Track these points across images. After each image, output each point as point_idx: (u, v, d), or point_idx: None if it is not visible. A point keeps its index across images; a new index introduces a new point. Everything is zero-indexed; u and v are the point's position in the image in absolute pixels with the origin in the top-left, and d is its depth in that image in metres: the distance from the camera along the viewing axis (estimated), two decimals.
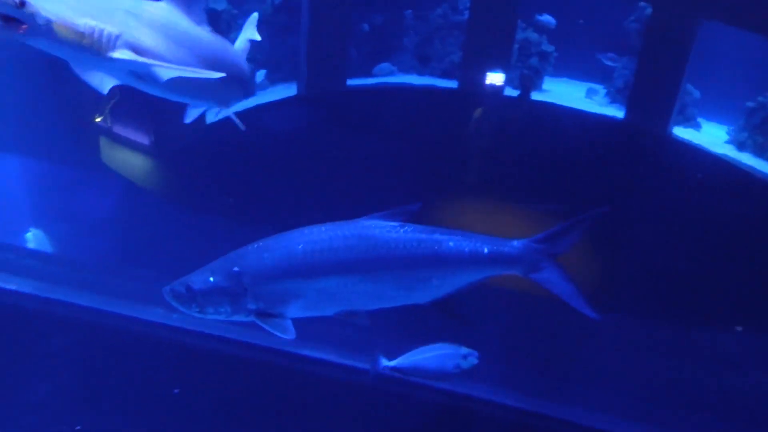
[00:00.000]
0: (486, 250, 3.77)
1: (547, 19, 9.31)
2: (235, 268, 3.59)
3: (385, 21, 9.40)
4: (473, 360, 5.20)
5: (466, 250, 3.73)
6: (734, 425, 7.28)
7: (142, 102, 7.14)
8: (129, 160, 7.77)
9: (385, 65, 9.04)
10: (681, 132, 8.36)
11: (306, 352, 7.32)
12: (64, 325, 6.97)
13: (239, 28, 8.94)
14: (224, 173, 7.99)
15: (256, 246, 3.73)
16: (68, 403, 6.63)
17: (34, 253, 7.39)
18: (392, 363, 5.24)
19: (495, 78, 7.72)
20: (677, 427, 7.32)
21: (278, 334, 3.61)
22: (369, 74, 8.91)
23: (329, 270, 3.62)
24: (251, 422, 7.41)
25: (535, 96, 8.41)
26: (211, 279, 3.59)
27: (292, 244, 3.68)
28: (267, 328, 3.62)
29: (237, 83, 5.15)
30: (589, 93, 9.21)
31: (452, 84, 8.48)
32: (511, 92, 8.10)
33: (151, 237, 8.27)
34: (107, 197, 7.67)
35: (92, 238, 7.71)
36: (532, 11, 9.29)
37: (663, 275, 7.33)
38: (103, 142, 7.85)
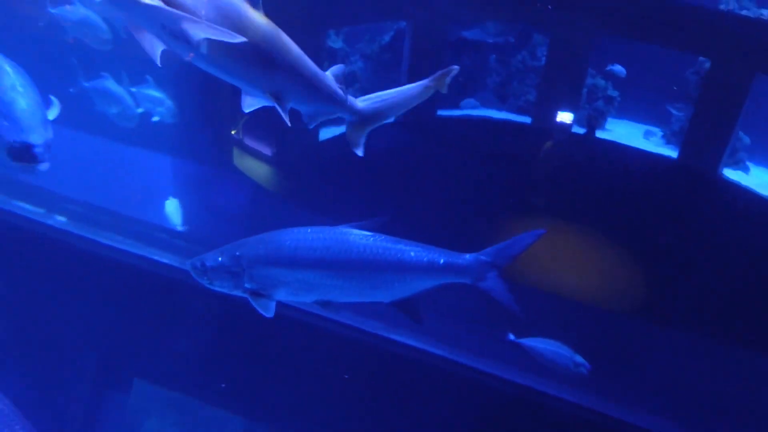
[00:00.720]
0: (441, 261, 3.79)
1: (618, 69, 8.96)
2: (237, 253, 3.72)
3: (473, 63, 9.30)
4: (582, 370, 4.99)
5: (425, 259, 3.76)
6: None
7: (267, 121, 7.42)
8: (254, 165, 8.02)
9: (470, 100, 8.97)
10: (731, 174, 7.83)
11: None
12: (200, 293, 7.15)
13: (352, 64, 9.10)
14: (331, 180, 8.10)
15: (257, 237, 3.85)
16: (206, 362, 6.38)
17: (180, 234, 7.62)
18: (516, 339, 5.21)
19: (564, 116, 7.50)
20: None
21: (261, 311, 3.72)
22: (456, 107, 8.84)
23: (308, 264, 3.71)
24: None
25: (599, 134, 8.11)
26: (219, 259, 3.73)
27: (283, 239, 3.80)
28: (254, 305, 3.73)
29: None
30: (647, 134, 8.80)
31: (526, 119, 8.30)
32: (578, 130, 7.84)
33: (265, 226, 8.47)
34: (237, 193, 7.90)
35: (223, 225, 7.93)
36: (606, 61, 8.96)
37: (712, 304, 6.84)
38: (236, 150, 8.12)
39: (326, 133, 8.15)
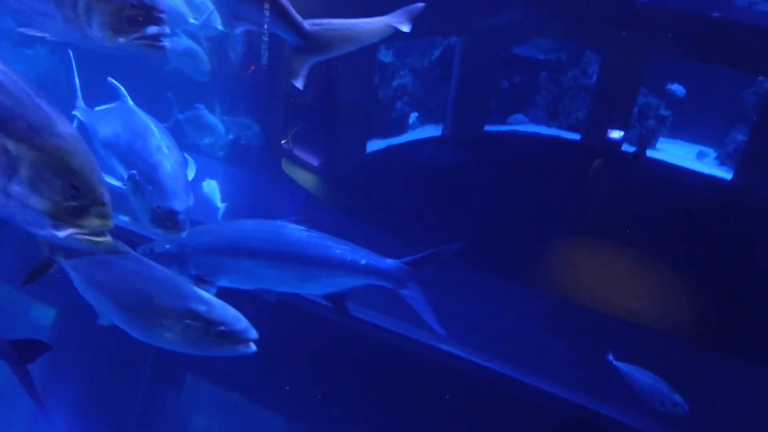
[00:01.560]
0: (363, 262, 3.84)
1: (677, 88, 8.80)
2: (184, 241, 3.76)
3: (523, 80, 9.28)
4: (680, 411, 4.61)
5: (348, 258, 3.81)
6: None
7: (314, 134, 7.62)
8: (301, 173, 8.22)
9: (519, 116, 8.95)
10: None
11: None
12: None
13: (402, 78, 9.20)
14: (376, 191, 8.20)
15: (203, 227, 3.92)
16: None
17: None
18: (617, 363, 4.92)
19: (615, 134, 7.39)
20: None
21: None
22: (504, 122, 8.83)
23: (246, 254, 3.80)
24: None
25: (650, 153, 7.95)
26: (167, 246, 3.80)
27: (226, 230, 3.91)
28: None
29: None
30: (700, 155, 8.57)
31: (576, 136, 8.21)
32: (629, 148, 7.71)
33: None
34: (287, 198, 8.12)
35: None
36: (664, 80, 8.81)
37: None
38: (285, 159, 8.34)
39: (373, 145, 8.28)
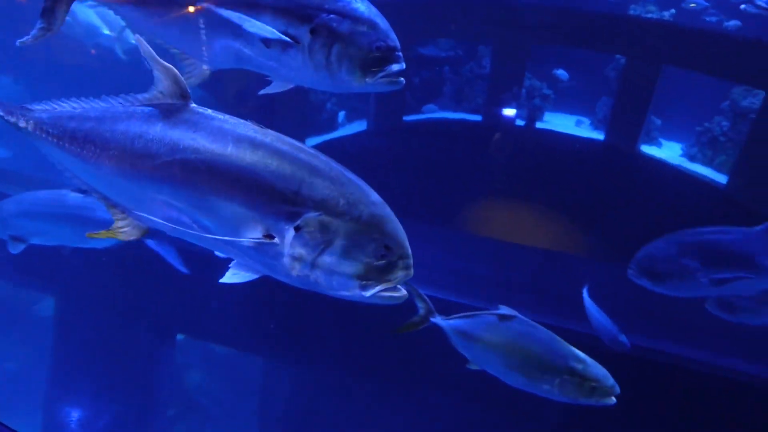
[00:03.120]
0: None
1: (561, 73, 10.32)
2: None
3: (431, 75, 10.59)
4: (623, 348, 4.62)
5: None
6: None
7: None
8: None
9: (431, 105, 10.23)
10: (647, 149, 9.28)
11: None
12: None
13: None
14: None
15: (17, 196, 4.72)
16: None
17: None
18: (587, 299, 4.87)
19: (508, 112, 8.85)
20: None
21: (11, 250, 4.62)
22: (419, 112, 10.11)
23: (45, 216, 4.56)
24: None
25: (539, 125, 9.51)
26: None
27: (32, 197, 4.66)
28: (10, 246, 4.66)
29: None
30: (578, 123, 10.24)
31: (478, 117, 9.62)
32: (521, 123, 9.23)
33: None
34: None
35: None
36: (551, 66, 10.30)
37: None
38: None
39: (310, 143, 9.31)
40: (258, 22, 2.17)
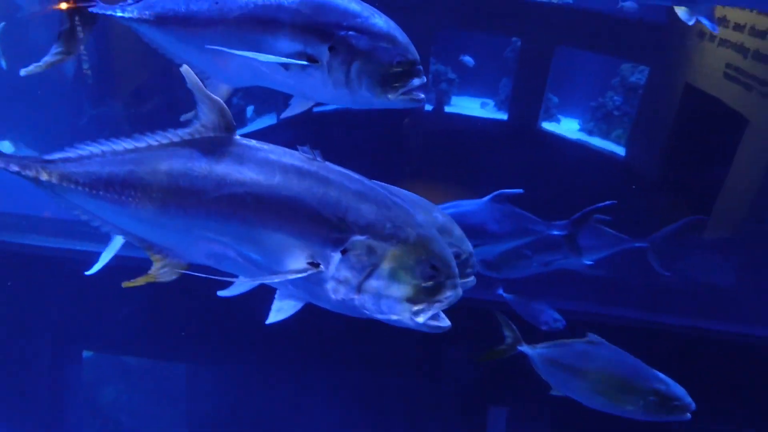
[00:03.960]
0: None
1: (467, 59, 10.52)
2: None
3: None
4: (560, 326, 4.71)
5: None
6: None
7: None
8: None
9: None
10: (547, 125, 9.69)
11: None
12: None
13: None
14: None
15: None
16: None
17: None
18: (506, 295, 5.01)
19: None
20: None
21: None
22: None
23: None
24: None
25: (446, 109, 9.69)
26: None
27: None
28: None
29: None
30: (483, 105, 10.53)
31: None
32: (429, 107, 9.37)
33: None
34: None
35: None
36: (458, 53, 10.43)
37: None
38: None
39: None
40: (270, 56, 2.15)
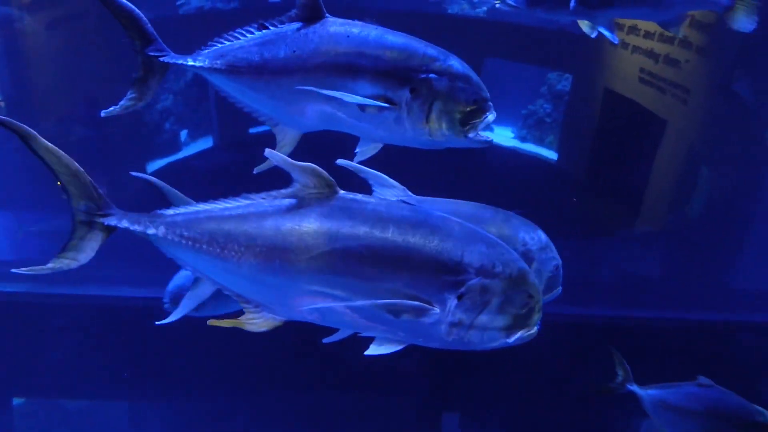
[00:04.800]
0: None
1: None
2: None
3: None
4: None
5: None
6: None
7: (96, 169, 7.82)
8: None
9: None
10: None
11: None
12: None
13: (164, 101, 9.72)
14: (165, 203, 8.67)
15: None
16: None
17: None
18: None
19: None
20: None
21: None
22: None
23: None
24: None
25: None
26: None
27: None
28: None
29: None
30: None
31: None
32: None
33: None
34: None
35: None
36: None
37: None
38: None
39: (154, 165, 8.71)
40: (357, 96, 2.21)
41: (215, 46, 2.41)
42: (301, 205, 2.02)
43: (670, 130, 6.87)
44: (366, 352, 2.05)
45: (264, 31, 2.33)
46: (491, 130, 2.40)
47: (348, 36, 2.26)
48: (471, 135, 2.34)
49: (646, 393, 3.96)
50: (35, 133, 1.91)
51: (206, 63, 2.36)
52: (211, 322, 2.05)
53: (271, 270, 2.01)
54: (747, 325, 5.96)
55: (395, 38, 2.30)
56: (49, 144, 1.94)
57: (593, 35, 3.12)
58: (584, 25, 3.06)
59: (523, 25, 10.14)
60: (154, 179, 2.59)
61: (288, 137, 2.47)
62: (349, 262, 1.96)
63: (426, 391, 6.29)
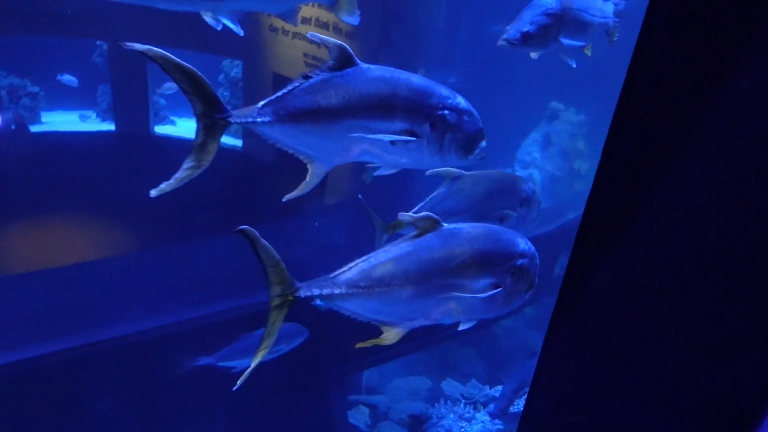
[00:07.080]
0: None
1: (67, 79, 8.87)
2: None
3: None
4: None
5: None
6: None
7: None
8: None
9: None
10: (161, 129, 9.25)
11: None
12: None
13: None
14: None
15: None
16: None
17: None
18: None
19: None
20: None
21: None
22: None
23: None
24: None
25: (34, 128, 8.26)
26: None
27: None
28: None
29: None
30: (83, 117, 9.39)
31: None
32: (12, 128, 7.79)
33: None
34: None
35: None
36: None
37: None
38: None
39: None
40: (395, 136, 2.60)
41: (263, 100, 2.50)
42: (426, 239, 2.55)
43: None
44: (459, 328, 2.58)
45: (310, 80, 2.50)
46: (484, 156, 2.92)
47: (384, 80, 2.62)
48: (470, 157, 2.82)
49: None
50: (260, 237, 2.16)
51: (271, 117, 2.44)
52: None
53: (425, 292, 2.50)
54: None
55: (418, 80, 2.70)
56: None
57: (219, 28, 3.19)
58: (208, 17, 3.12)
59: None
60: None
61: (321, 170, 2.72)
62: (466, 272, 2.56)
63: None
